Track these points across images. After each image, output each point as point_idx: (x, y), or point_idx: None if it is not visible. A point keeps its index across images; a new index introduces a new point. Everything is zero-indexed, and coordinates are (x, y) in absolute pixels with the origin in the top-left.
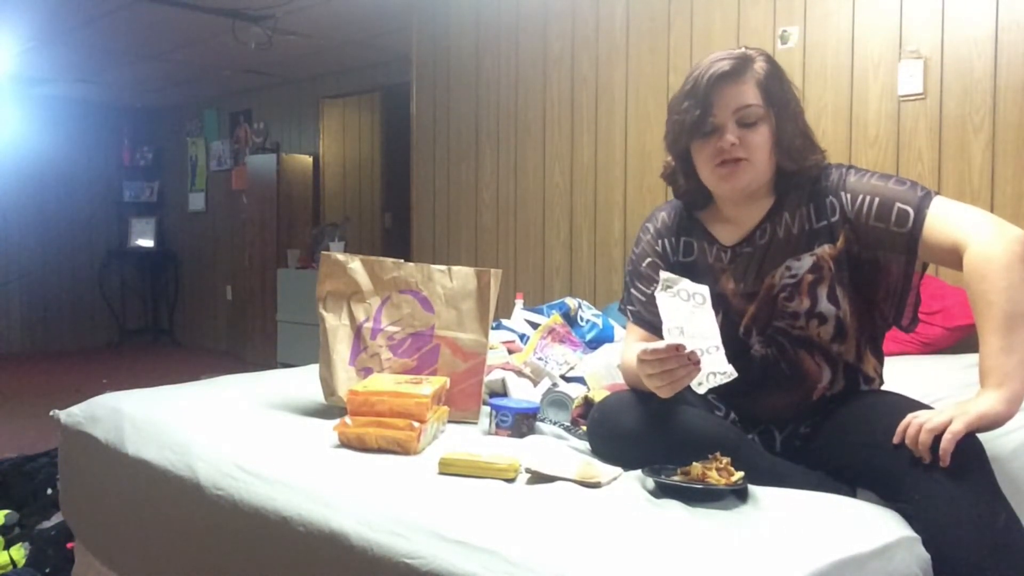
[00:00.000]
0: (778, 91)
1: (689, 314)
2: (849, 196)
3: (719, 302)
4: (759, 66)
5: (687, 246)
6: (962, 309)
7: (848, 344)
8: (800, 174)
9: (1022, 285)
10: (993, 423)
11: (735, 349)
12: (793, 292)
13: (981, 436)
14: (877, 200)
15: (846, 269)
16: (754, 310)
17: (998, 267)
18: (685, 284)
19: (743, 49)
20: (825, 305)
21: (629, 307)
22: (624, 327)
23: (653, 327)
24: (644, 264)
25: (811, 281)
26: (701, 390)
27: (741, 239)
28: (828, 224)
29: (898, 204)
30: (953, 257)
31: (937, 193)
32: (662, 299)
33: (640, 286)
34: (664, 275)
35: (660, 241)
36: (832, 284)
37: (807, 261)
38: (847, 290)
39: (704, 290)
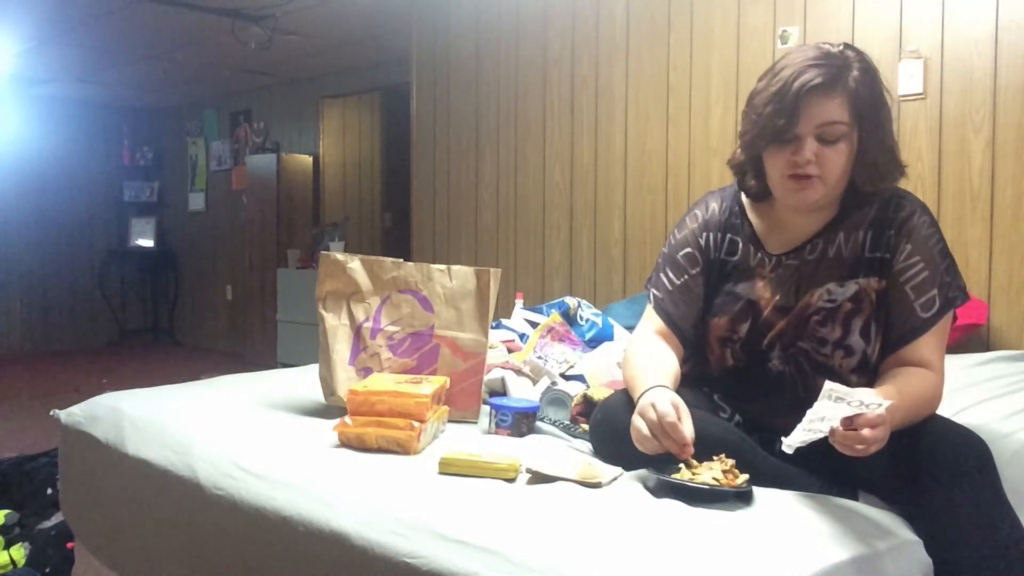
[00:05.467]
0: (869, 105)
1: (844, 409)
2: (909, 248)
3: (751, 309)
4: (853, 76)
5: (732, 244)
6: (962, 310)
7: (868, 377)
8: (875, 195)
9: (918, 409)
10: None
11: (754, 358)
12: (827, 318)
13: (984, 438)
14: (926, 274)
15: (884, 306)
16: (783, 325)
17: (931, 401)
18: (860, 395)
19: (841, 48)
20: (856, 338)
21: (653, 290)
22: (620, 323)
23: (671, 319)
24: (681, 253)
25: (848, 311)
26: (790, 449)
27: (789, 250)
28: (880, 258)
29: (935, 291)
30: (913, 356)
31: (958, 298)
32: (823, 405)
33: (670, 274)
34: (833, 388)
35: (705, 234)
36: (869, 319)
37: (850, 289)
38: (881, 327)
39: (884, 403)
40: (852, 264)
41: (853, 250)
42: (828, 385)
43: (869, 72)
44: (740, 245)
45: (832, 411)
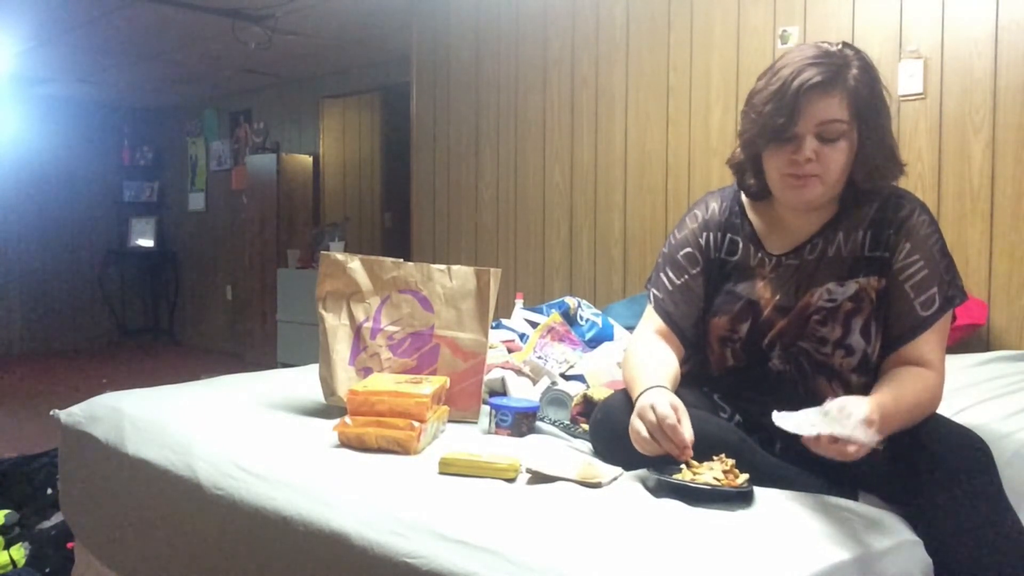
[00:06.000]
0: (868, 103)
1: (836, 428)
2: (908, 247)
3: (751, 309)
4: (853, 75)
5: (732, 244)
6: (962, 309)
7: (869, 377)
8: (873, 192)
9: (917, 412)
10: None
11: (754, 358)
12: (828, 317)
13: (984, 438)
14: (925, 272)
15: (884, 305)
16: (784, 325)
17: (930, 402)
18: (857, 428)
19: (840, 47)
20: (856, 338)
21: (653, 290)
22: (621, 322)
23: (671, 319)
24: (681, 253)
25: (849, 310)
26: (778, 421)
27: (789, 250)
28: (880, 257)
29: (935, 289)
30: (913, 355)
31: (957, 297)
32: (820, 418)
33: (670, 274)
34: (829, 410)
35: (705, 234)
36: (869, 318)
37: (850, 288)
38: (881, 326)
39: (875, 439)
40: (852, 263)
41: (853, 249)
42: (828, 404)
43: (868, 70)
44: (740, 245)
45: (825, 426)
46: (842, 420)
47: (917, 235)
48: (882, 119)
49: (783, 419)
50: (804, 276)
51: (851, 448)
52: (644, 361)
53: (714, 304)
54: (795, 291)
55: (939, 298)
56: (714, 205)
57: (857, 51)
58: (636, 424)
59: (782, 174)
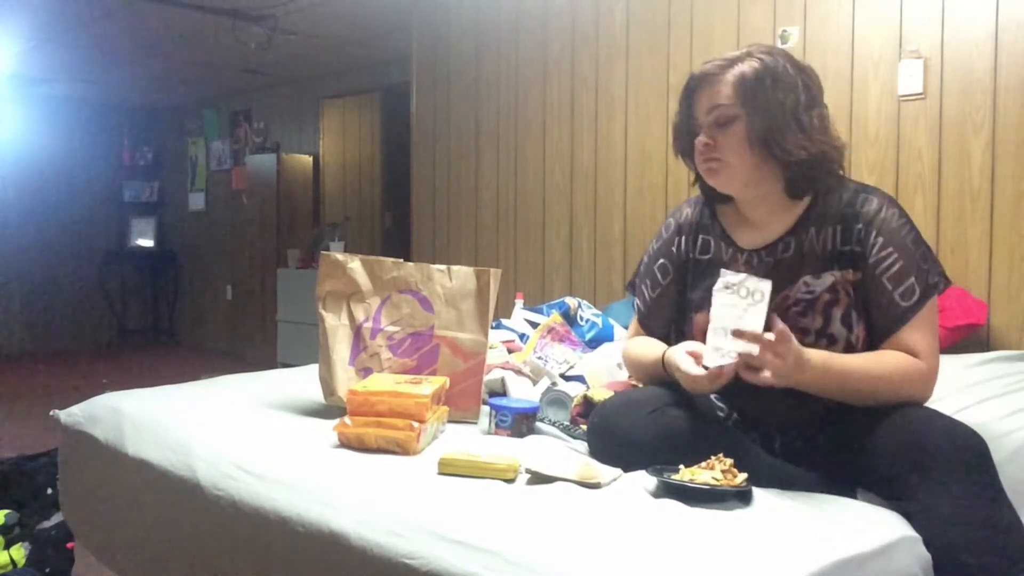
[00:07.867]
0: (759, 85)
1: (741, 313)
2: (881, 240)
3: None
4: (746, 65)
5: (705, 243)
6: (962, 309)
7: None
8: (821, 183)
9: (878, 385)
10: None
11: None
12: (807, 309)
13: (984, 437)
14: (901, 264)
15: (862, 296)
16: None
17: (906, 383)
18: (749, 282)
19: (744, 49)
20: (837, 327)
21: (637, 301)
22: (625, 326)
23: (652, 331)
24: (656, 265)
25: (827, 301)
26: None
27: (763, 246)
28: (852, 251)
29: (913, 279)
30: (900, 347)
31: (940, 284)
32: (718, 298)
33: (648, 285)
34: (726, 275)
35: (678, 239)
36: (848, 308)
37: (827, 280)
38: (862, 315)
39: (766, 287)
40: (826, 258)
41: (824, 245)
42: (725, 275)
43: (769, 58)
44: (712, 243)
45: (730, 314)
46: (737, 283)
47: (888, 228)
48: (780, 99)
49: (708, 362)
50: (783, 273)
51: (765, 374)
52: (646, 349)
53: (694, 301)
54: (774, 287)
55: (919, 287)
56: (688, 210)
57: (769, 49)
58: (686, 384)
59: (699, 165)
